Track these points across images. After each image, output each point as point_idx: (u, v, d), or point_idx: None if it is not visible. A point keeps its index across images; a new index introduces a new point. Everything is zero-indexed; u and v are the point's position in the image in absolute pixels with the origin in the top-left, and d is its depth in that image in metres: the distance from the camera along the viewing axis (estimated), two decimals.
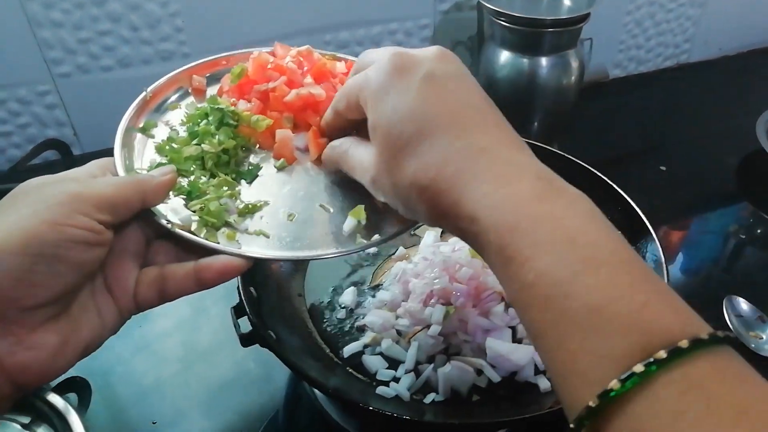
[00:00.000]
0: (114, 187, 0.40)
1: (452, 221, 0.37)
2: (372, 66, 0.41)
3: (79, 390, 0.68)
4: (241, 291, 0.56)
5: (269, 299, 0.61)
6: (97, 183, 0.41)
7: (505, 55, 1.00)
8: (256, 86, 0.53)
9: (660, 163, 1.09)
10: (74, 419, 0.63)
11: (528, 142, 0.73)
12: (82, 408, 0.66)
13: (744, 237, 0.95)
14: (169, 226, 0.44)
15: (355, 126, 0.46)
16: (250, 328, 0.54)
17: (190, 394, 0.66)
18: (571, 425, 0.29)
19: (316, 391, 0.63)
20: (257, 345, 0.54)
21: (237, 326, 0.55)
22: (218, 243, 0.44)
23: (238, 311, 0.56)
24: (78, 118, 1.00)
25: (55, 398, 0.64)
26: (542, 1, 1.04)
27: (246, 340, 0.54)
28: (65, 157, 0.90)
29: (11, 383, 0.36)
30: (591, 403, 0.28)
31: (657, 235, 0.61)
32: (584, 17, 0.96)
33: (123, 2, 0.92)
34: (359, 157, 0.42)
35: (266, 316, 0.58)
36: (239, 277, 0.58)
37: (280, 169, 0.51)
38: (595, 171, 0.70)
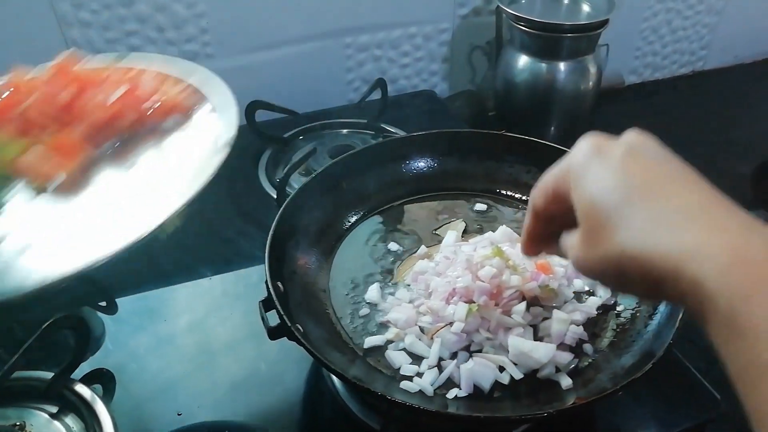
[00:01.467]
0: None
1: (669, 288, 0.34)
2: (569, 154, 0.42)
3: (105, 381, 0.69)
4: (270, 286, 0.58)
5: (295, 294, 0.62)
6: None
7: (523, 60, 1.01)
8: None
9: None
10: (101, 408, 0.64)
11: (543, 143, 0.75)
12: (107, 398, 0.67)
13: None
14: None
15: (556, 226, 0.46)
16: (278, 321, 0.55)
17: (211, 387, 0.67)
18: None
19: (338, 386, 0.64)
20: (279, 340, 0.55)
21: (265, 319, 0.57)
22: None
23: (266, 305, 0.57)
24: None
25: (82, 389, 0.66)
26: (561, 7, 1.05)
27: (273, 334, 0.56)
28: None
29: None
30: None
31: None
32: (603, 23, 0.98)
33: (150, 3, 0.94)
34: (566, 242, 0.43)
35: (293, 310, 0.59)
36: (267, 272, 0.59)
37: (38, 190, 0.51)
38: None
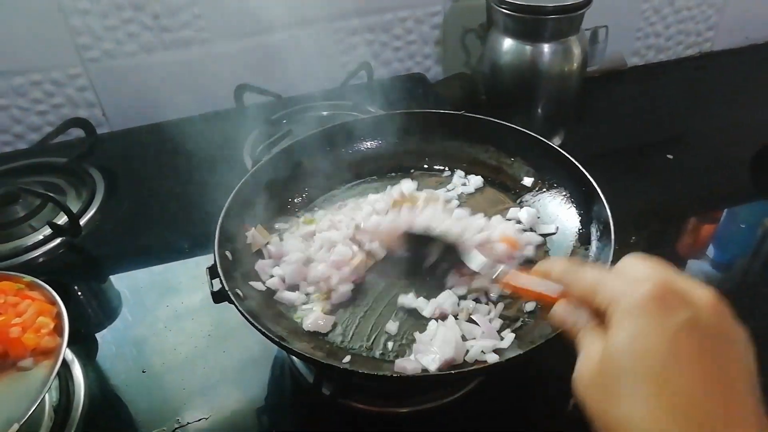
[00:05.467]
0: None
1: None
2: (633, 281, 0.38)
3: (87, 344, 0.75)
4: (216, 253, 0.62)
5: (245, 264, 0.66)
6: None
7: (508, 42, 1.02)
8: None
9: (669, 152, 1.09)
10: (77, 367, 0.71)
11: (500, 123, 0.77)
12: (87, 359, 0.73)
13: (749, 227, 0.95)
14: None
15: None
16: (220, 286, 0.60)
17: (215, 364, 0.70)
18: None
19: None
20: None
21: (211, 285, 0.61)
22: None
23: (212, 272, 0.61)
24: (106, 100, 1.08)
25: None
26: None
27: (216, 297, 0.60)
28: (89, 135, 0.98)
29: None
30: None
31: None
32: (586, 3, 0.97)
33: None
34: (584, 344, 0.40)
35: (239, 278, 0.63)
36: (216, 241, 0.64)
37: None
38: (562, 151, 0.73)
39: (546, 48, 1.00)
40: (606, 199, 0.65)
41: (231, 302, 0.59)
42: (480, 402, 0.64)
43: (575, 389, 0.39)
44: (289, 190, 0.76)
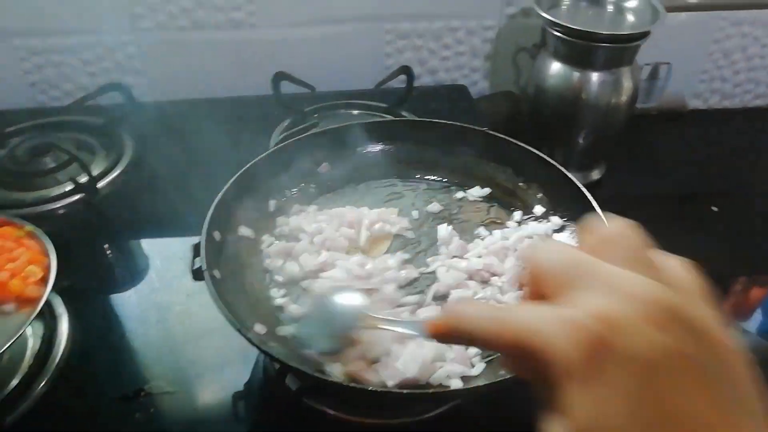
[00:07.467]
0: None
1: None
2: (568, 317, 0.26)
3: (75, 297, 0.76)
4: (204, 230, 0.62)
5: (233, 247, 0.66)
6: None
7: (555, 66, 0.99)
8: None
9: (715, 204, 1.03)
10: (64, 320, 0.72)
11: (522, 146, 0.73)
12: (75, 312, 0.74)
13: None
14: None
15: None
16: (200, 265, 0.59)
17: (196, 345, 0.71)
18: None
19: None
20: None
21: (192, 263, 0.61)
22: None
23: (196, 250, 0.61)
24: (152, 69, 1.11)
25: (55, 298, 0.73)
26: (604, 15, 1.00)
27: (195, 275, 0.60)
28: (128, 101, 1.00)
29: None
30: None
31: None
32: (641, 36, 0.93)
33: None
34: None
35: (223, 260, 0.63)
36: (208, 219, 0.63)
37: None
38: (581, 187, 0.68)
39: (595, 76, 0.96)
40: None
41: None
42: (460, 422, 0.62)
43: None
44: (288, 187, 0.75)
